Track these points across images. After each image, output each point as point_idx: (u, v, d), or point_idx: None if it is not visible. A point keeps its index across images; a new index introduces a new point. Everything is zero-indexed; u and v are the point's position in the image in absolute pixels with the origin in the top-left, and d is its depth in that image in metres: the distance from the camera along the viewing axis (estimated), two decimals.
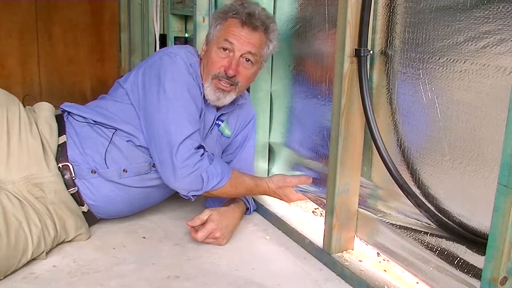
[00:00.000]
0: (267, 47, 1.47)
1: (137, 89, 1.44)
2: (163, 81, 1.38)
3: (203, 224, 1.40)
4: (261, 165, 1.81)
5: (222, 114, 1.57)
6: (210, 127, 1.53)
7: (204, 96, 1.46)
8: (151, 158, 1.42)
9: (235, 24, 1.42)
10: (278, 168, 1.80)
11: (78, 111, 1.45)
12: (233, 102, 1.56)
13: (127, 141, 1.42)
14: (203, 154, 1.36)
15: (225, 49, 1.42)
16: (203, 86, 1.46)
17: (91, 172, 1.38)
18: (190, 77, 1.41)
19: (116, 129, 1.41)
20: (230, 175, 1.40)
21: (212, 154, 1.42)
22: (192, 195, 1.39)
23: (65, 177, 1.36)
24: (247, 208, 1.62)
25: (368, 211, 1.33)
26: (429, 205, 1.11)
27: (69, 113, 1.46)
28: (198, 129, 1.39)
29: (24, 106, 1.41)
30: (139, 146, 1.42)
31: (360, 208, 1.34)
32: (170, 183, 1.36)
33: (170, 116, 1.35)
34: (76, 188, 1.37)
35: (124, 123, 1.42)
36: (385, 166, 1.16)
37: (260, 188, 1.51)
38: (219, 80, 1.43)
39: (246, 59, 1.43)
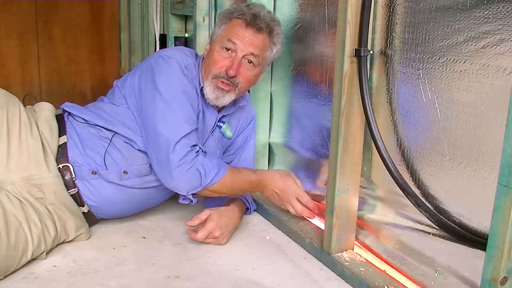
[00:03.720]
0: (270, 50, 1.47)
1: (133, 93, 1.44)
2: (158, 84, 1.38)
3: (203, 224, 1.40)
4: (261, 165, 1.81)
5: (224, 116, 1.57)
6: (212, 129, 1.53)
7: (203, 96, 1.46)
8: None
9: (240, 25, 1.42)
10: (278, 168, 1.80)
11: (79, 113, 1.45)
12: (234, 104, 1.56)
13: (126, 143, 1.42)
14: (198, 151, 1.36)
15: (227, 49, 1.42)
16: (203, 86, 1.46)
17: (92, 173, 1.38)
18: (185, 79, 1.42)
19: (115, 132, 1.42)
20: (226, 167, 1.40)
21: (205, 152, 1.41)
22: (192, 194, 1.38)
23: (65, 178, 1.35)
24: (247, 208, 1.62)
25: (369, 213, 1.33)
26: (429, 205, 1.11)
27: (69, 113, 1.47)
28: (196, 128, 1.39)
29: (25, 106, 1.41)
30: (138, 150, 1.42)
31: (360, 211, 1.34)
32: (168, 183, 1.36)
33: (167, 117, 1.36)
34: (76, 189, 1.37)
35: (123, 127, 1.42)
36: (385, 166, 1.16)
37: (260, 175, 1.47)
38: (219, 79, 1.43)
39: (248, 60, 1.43)
